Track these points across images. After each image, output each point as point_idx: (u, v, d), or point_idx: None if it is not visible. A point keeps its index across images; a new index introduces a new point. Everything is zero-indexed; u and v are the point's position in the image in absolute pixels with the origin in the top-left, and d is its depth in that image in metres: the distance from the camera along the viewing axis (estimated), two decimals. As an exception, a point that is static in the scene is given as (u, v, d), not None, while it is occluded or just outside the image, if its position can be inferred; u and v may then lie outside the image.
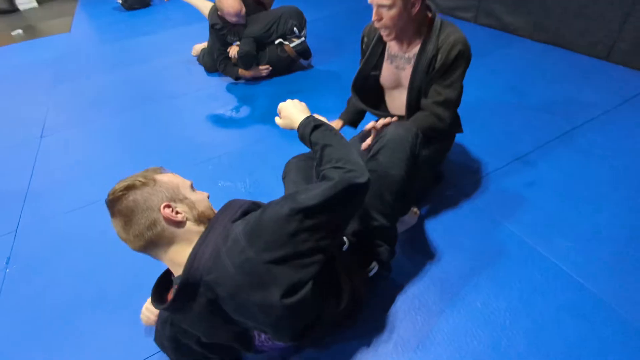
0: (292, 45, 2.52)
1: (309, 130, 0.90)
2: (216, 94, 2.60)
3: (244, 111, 2.37)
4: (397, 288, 1.21)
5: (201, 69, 2.94)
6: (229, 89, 2.65)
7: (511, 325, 1.08)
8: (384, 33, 1.20)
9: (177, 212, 0.79)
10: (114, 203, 0.77)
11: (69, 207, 1.75)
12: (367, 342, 1.08)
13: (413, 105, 1.30)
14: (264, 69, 2.58)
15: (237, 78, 2.64)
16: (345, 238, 1.01)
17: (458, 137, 1.79)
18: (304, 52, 2.57)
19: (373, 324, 1.12)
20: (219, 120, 2.31)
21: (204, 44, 2.89)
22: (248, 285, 0.74)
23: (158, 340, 0.95)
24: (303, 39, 2.51)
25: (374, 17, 1.15)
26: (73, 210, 1.73)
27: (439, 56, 1.18)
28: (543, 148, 1.70)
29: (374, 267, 1.03)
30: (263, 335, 0.89)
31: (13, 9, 5.93)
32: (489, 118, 1.95)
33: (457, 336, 1.07)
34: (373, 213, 1.03)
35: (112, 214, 0.78)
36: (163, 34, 3.88)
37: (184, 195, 0.83)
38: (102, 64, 3.36)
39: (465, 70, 1.22)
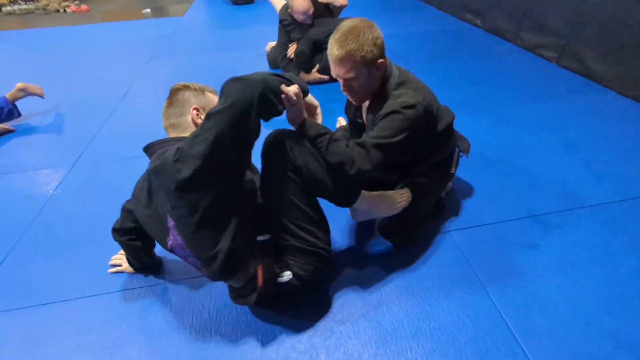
0: (347, 54, 2.59)
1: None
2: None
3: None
4: (330, 305, 1.20)
5: (267, 63, 3.18)
6: (282, 86, 2.82)
7: (433, 382, 0.99)
8: (352, 99, 1.21)
9: (199, 117, 1.08)
10: (172, 90, 1.10)
11: (118, 157, 2.07)
12: (278, 340, 1.10)
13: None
14: (322, 76, 2.68)
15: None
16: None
17: (476, 177, 1.68)
18: (357, 63, 2.62)
19: (293, 328, 1.14)
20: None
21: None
22: (173, 166, 0.92)
23: (141, 180, 1.15)
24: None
25: (342, 89, 1.17)
26: (120, 160, 2.05)
27: (377, 116, 1.15)
28: (568, 213, 1.49)
29: (287, 275, 1.04)
30: (172, 222, 1.00)
31: (153, -8, 7.07)
32: (522, 165, 1.76)
33: (371, 371, 1.02)
34: (277, 232, 1.07)
35: (168, 96, 1.10)
36: (253, 28, 4.27)
37: None
38: (194, 48, 3.83)
39: (400, 130, 1.09)
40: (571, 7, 2.53)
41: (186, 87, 1.10)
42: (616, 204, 1.51)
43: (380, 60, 1.12)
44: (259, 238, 1.06)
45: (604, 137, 1.93)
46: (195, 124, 1.07)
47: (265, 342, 1.12)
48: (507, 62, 2.92)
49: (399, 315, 1.16)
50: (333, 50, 1.08)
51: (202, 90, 1.12)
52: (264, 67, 3.15)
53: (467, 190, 1.64)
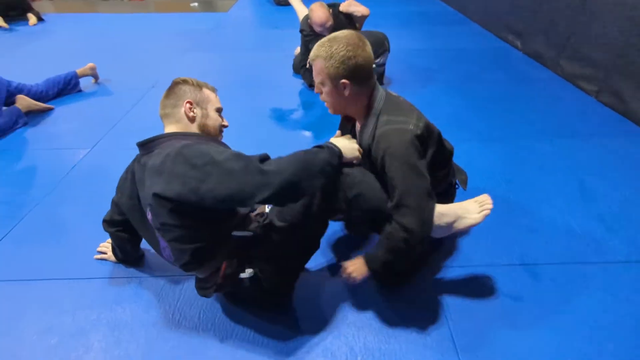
0: (367, 68, 2.56)
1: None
2: (285, 91, 2.86)
3: (296, 113, 2.56)
4: (287, 328, 1.19)
5: (291, 66, 3.22)
6: (299, 91, 2.86)
7: None
8: (327, 105, 1.19)
9: (192, 111, 1.13)
10: (173, 83, 1.16)
11: (132, 146, 2.17)
12: (230, 355, 1.11)
13: None
14: None
15: (311, 85, 2.81)
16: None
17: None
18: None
19: (245, 346, 1.13)
20: (270, 112, 2.53)
21: (304, 47, 3.15)
22: (159, 169, 0.98)
23: (124, 172, 1.23)
24: (374, 66, 2.52)
25: (315, 90, 1.18)
26: (133, 149, 2.13)
27: (373, 152, 1.12)
28: (566, 267, 1.36)
29: (249, 272, 1.09)
30: (150, 214, 1.06)
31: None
32: (528, 206, 1.64)
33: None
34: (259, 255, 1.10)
35: (168, 88, 1.16)
36: (288, 30, 4.31)
37: (206, 108, 1.17)
38: (228, 44, 3.95)
39: (409, 164, 1.04)
40: (618, 39, 2.32)
41: (185, 82, 1.17)
42: (624, 266, 1.36)
43: (343, 81, 1.07)
44: (237, 233, 1.08)
45: (627, 187, 1.76)
46: (187, 116, 1.13)
47: (217, 354, 1.12)
48: (541, 91, 2.74)
49: (355, 350, 1.12)
50: (313, 50, 1.12)
51: (199, 87, 1.18)
52: (288, 69, 3.19)
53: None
